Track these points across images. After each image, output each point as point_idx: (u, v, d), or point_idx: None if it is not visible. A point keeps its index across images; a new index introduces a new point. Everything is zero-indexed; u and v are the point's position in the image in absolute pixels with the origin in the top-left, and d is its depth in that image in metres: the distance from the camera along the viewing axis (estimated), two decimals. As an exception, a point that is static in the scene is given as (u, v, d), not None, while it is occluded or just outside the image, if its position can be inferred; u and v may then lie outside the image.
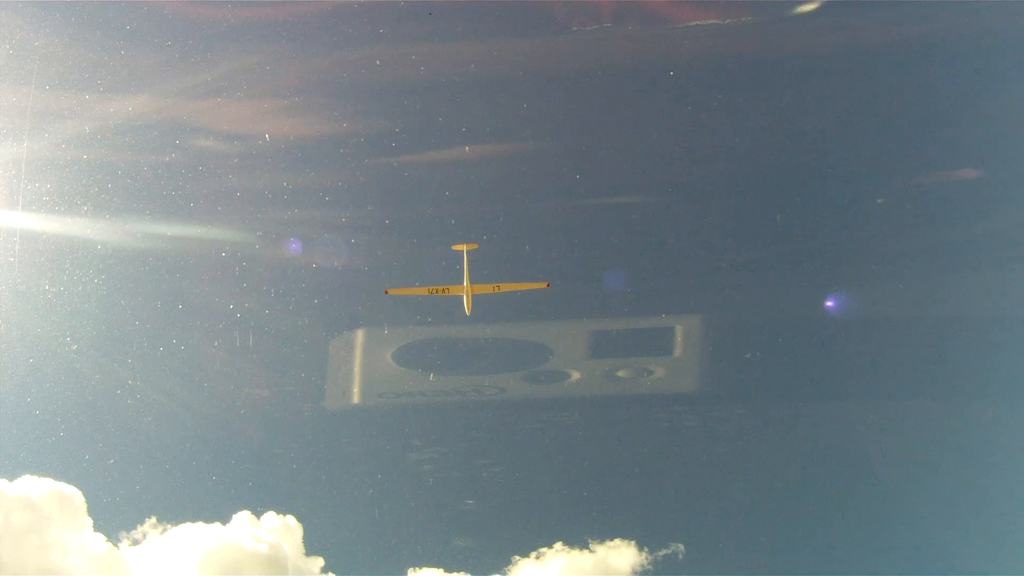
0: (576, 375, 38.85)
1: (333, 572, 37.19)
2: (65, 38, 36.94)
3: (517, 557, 37.81)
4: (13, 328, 37.07)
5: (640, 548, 37.70)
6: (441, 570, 37.65)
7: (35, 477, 35.81)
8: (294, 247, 38.30)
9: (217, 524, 36.85)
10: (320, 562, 37.20)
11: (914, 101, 39.89)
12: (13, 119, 36.79)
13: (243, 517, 37.05)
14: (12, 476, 35.60)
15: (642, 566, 37.58)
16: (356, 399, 38.76)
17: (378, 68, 38.34)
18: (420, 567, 37.63)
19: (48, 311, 37.26)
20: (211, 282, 38.21)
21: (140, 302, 37.99)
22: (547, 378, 38.76)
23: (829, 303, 38.89)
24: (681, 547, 37.66)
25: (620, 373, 38.98)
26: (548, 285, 35.18)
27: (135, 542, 36.57)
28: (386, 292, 35.42)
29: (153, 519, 36.79)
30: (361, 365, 38.56)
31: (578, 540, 37.81)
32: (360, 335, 38.53)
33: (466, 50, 38.54)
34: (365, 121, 38.66)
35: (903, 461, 39.93)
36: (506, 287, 34.79)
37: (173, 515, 36.76)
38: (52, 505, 35.60)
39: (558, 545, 37.72)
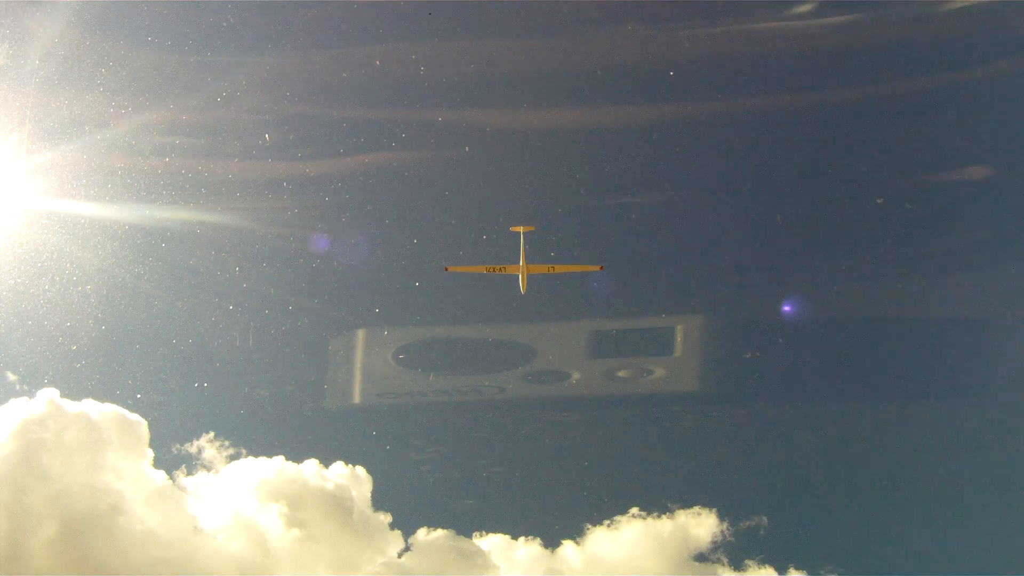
0: (576, 375, 39.03)
1: (400, 530, 37.73)
2: (65, 38, 37.00)
3: (588, 525, 38.69)
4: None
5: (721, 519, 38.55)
6: (508, 536, 38.29)
7: (97, 402, 36.34)
8: (313, 244, 38.78)
9: (280, 458, 37.68)
10: (388, 518, 37.88)
11: (914, 101, 39.91)
12: (13, 117, 36.89)
13: (311, 464, 37.80)
14: (77, 396, 36.20)
15: (723, 534, 38.40)
16: (358, 399, 39.11)
17: (379, 67, 38.43)
18: (487, 532, 38.31)
19: (49, 307, 37.60)
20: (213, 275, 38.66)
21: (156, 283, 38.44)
22: (547, 378, 38.91)
23: (786, 307, 39.20)
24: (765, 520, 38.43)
25: (620, 373, 39.12)
26: (602, 268, 35.71)
27: (191, 471, 37.27)
28: (446, 269, 35.93)
29: (216, 451, 37.65)
30: (363, 364, 38.87)
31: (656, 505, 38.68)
32: (360, 335, 38.70)
33: (468, 49, 38.64)
34: (365, 119, 38.81)
35: (903, 460, 40.08)
36: (560, 268, 35.45)
37: (240, 451, 37.78)
38: (112, 429, 35.78)
39: (634, 509, 38.65)
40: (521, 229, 34.87)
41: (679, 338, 38.79)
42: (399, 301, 38.99)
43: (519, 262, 34.98)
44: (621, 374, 39.11)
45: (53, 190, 37.26)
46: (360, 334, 38.81)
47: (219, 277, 38.46)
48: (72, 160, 37.36)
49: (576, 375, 39.05)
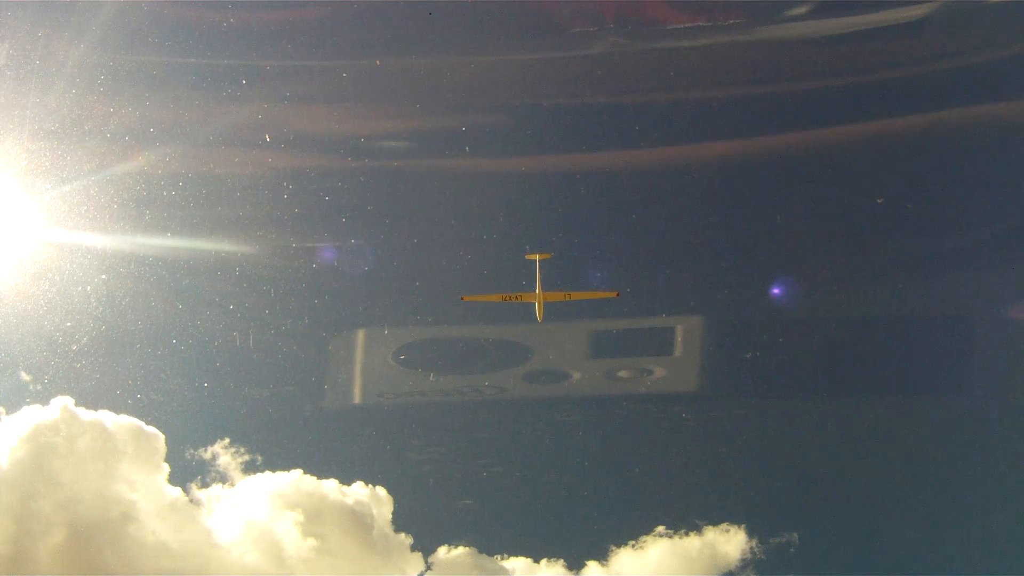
0: (576, 375, 39.02)
1: (421, 551, 37.72)
2: (63, 39, 37.01)
3: (613, 546, 38.49)
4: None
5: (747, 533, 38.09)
6: (530, 559, 38.14)
7: (113, 413, 36.25)
8: (309, 250, 38.76)
9: (298, 472, 37.59)
10: (409, 540, 37.81)
11: (913, 100, 39.88)
12: (14, 119, 36.91)
13: (331, 484, 37.73)
14: (93, 406, 36.16)
15: (752, 551, 38.22)
16: (358, 399, 39.01)
17: (379, 68, 38.44)
18: (508, 555, 38.20)
19: (46, 316, 37.57)
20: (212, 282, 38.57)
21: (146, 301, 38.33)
22: (547, 378, 38.90)
23: (775, 290, 39.11)
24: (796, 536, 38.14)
25: (620, 373, 39.13)
26: (617, 294, 36.00)
27: (206, 483, 37.24)
28: (462, 298, 35.99)
29: (231, 458, 37.59)
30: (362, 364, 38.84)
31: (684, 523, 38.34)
32: (360, 335, 38.69)
33: (468, 50, 38.62)
34: (365, 123, 38.81)
35: (903, 460, 40.02)
36: (577, 295, 35.61)
37: (255, 459, 37.83)
38: (128, 440, 35.66)
39: (660, 528, 38.53)
40: (537, 257, 34.96)
41: (679, 338, 38.81)
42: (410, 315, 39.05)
43: (535, 290, 35.07)
44: (621, 374, 39.13)
45: (61, 192, 37.44)
46: (372, 335, 38.77)
47: (233, 283, 38.50)
48: (74, 160, 37.51)
49: (576, 375, 39.08)
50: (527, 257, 35.04)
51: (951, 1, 38.44)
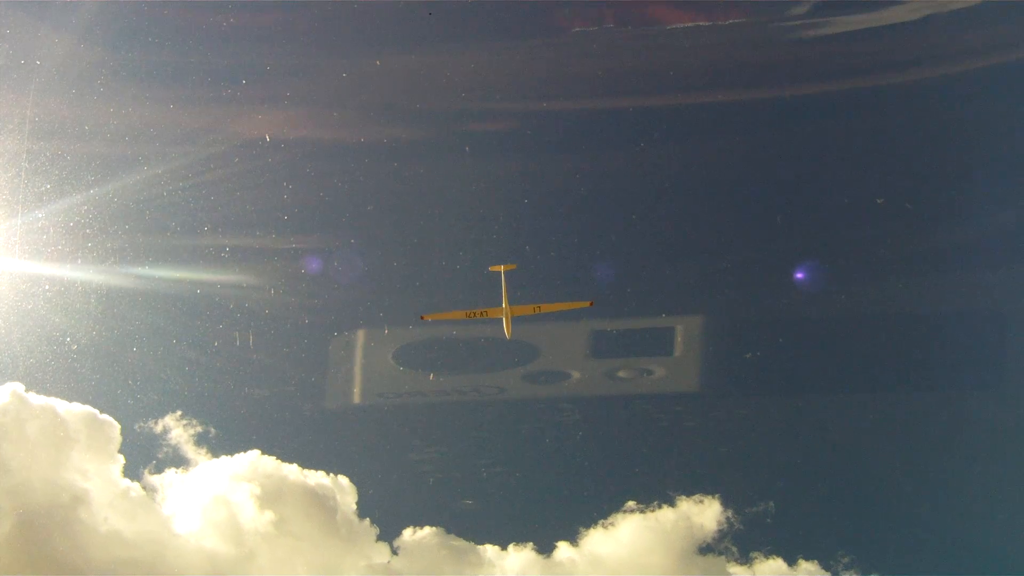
0: (576, 375, 38.95)
1: (388, 533, 37.28)
2: (63, 39, 37.05)
3: (586, 526, 38.11)
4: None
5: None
6: (503, 541, 37.70)
7: (65, 401, 35.63)
8: (297, 250, 38.61)
9: (256, 452, 37.09)
10: (375, 531, 37.34)
11: (913, 100, 39.94)
12: (14, 121, 36.93)
13: (292, 469, 37.17)
14: (46, 393, 35.56)
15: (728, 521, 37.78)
16: (358, 399, 38.89)
17: (378, 69, 38.48)
18: (482, 536, 37.87)
19: (48, 316, 37.40)
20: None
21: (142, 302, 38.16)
22: (547, 378, 38.86)
23: (799, 275, 38.97)
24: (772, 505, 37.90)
25: (620, 373, 39.11)
26: (592, 303, 34.33)
27: (159, 470, 36.65)
28: (422, 318, 34.43)
29: (189, 440, 37.21)
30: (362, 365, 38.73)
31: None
32: (360, 335, 38.65)
33: (466, 51, 38.67)
34: (366, 125, 38.87)
35: (906, 453, 40.21)
36: (547, 307, 33.94)
37: (215, 440, 37.38)
38: (81, 427, 34.81)
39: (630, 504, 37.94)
40: (502, 268, 33.31)
41: (679, 338, 38.77)
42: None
43: (501, 304, 33.43)
44: (621, 374, 39.09)
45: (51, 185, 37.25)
46: (359, 334, 38.67)
47: (213, 276, 38.28)
48: (67, 155, 37.48)
49: (576, 375, 39.02)
50: (491, 269, 33.55)
51: (951, 1, 38.51)
